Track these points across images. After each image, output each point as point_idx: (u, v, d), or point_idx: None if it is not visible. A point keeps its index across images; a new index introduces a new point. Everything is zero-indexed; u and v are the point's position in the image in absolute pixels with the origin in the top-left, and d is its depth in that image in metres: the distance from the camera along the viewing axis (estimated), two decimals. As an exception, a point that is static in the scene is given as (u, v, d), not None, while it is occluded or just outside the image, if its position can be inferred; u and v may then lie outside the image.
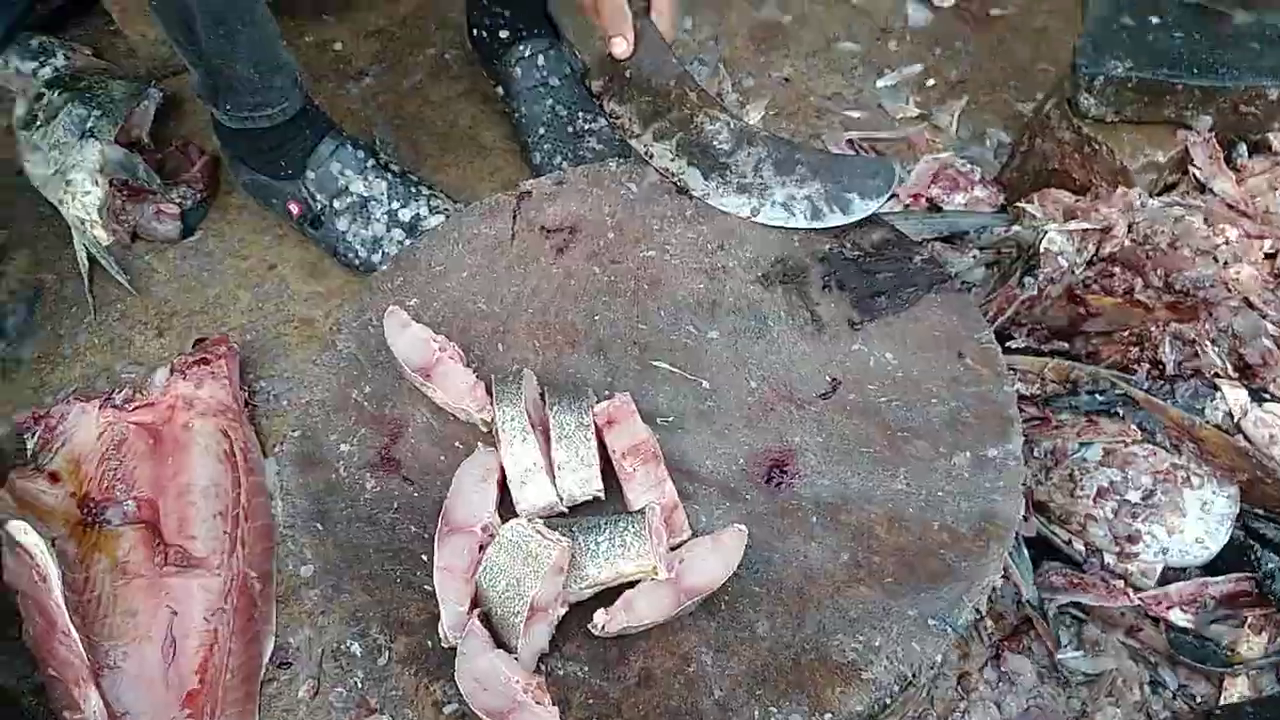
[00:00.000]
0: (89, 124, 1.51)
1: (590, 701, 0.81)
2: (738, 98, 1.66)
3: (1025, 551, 1.06)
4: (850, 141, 1.57)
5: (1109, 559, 1.04)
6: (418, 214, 1.41)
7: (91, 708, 1.01)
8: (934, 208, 1.42)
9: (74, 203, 1.48)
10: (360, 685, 0.83)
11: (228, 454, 1.21)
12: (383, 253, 1.40)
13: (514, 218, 1.14)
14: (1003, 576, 1.07)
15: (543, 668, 0.83)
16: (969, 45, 1.69)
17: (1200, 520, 1.01)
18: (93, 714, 1.01)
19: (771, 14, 1.78)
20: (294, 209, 1.42)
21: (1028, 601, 1.04)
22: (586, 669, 0.83)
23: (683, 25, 1.76)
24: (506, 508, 0.90)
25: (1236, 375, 1.08)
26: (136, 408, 1.24)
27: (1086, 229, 1.24)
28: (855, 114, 1.62)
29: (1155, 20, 1.26)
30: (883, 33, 1.73)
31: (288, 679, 1.11)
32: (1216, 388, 1.06)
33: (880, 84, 1.66)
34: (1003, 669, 1.04)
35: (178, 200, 1.52)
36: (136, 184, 1.51)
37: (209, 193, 1.56)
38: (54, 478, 1.19)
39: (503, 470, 0.90)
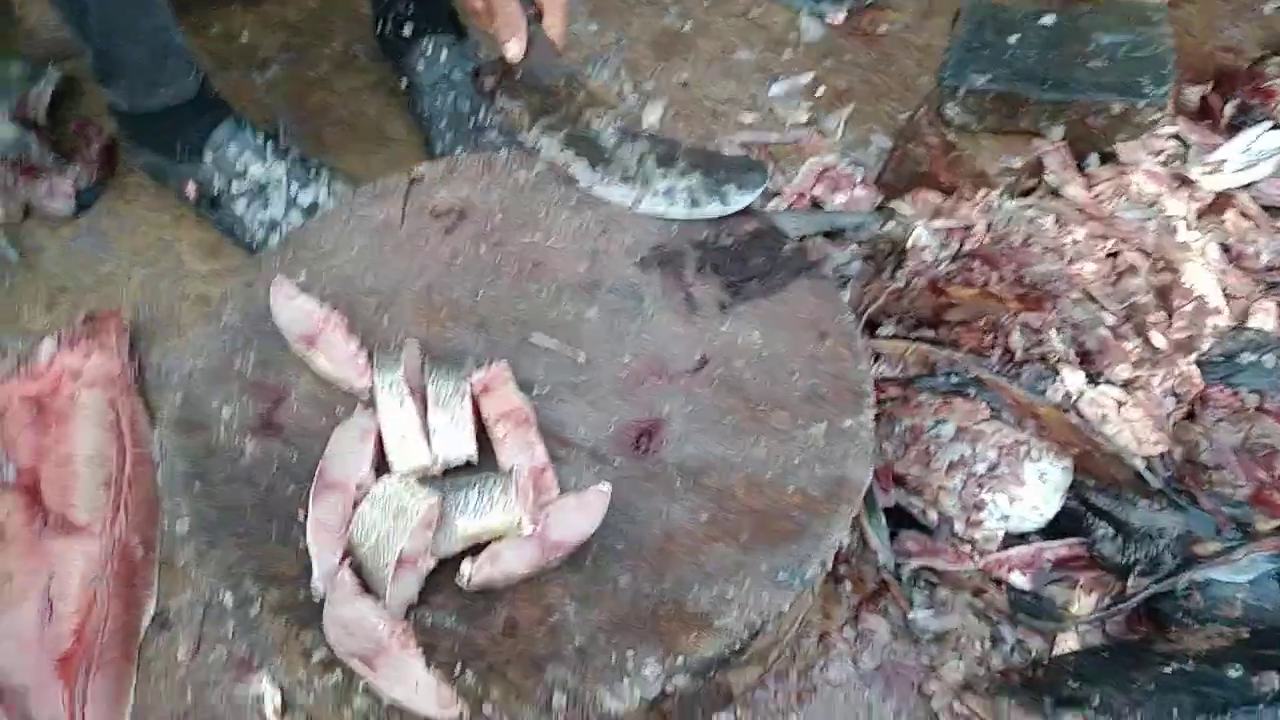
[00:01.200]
0: (-18, 101, 1.50)
1: (455, 648, 0.84)
2: (637, 99, 1.73)
3: (884, 520, 1.13)
4: (743, 144, 1.65)
5: (958, 526, 1.11)
6: (316, 198, 1.43)
7: (-38, 670, 1.01)
8: (816, 206, 1.50)
9: (-37, 178, 1.47)
10: (231, 635, 0.85)
11: (114, 424, 1.21)
12: (280, 235, 1.42)
13: (405, 200, 1.18)
14: (863, 544, 1.14)
15: (411, 616, 0.86)
16: (857, 57, 1.78)
17: (1038, 489, 1.09)
18: (-37, 677, 1.01)
19: (673, 22, 1.85)
20: (191, 191, 1.43)
21: (884, 566, 1.11)
22: (454, 618, 0.86)
23: (587, 28, 1.82)
24: (385, 470, 0.93)
25: (1076, 361, 1.18)
26: (21, 379, 1.24)
27: (951, 227, 1.32)
28: (748, 118, 1.70)
29: (1012, 39, 1.37)
30: (777, 44, 1.82)
31: (167, 640, 1.12)
32: (1058, 372, 1.15)
33: (773, 91, 1.74)
34: (860, 628, 1.11)
35: (73, 179, 1.51)
36: (30, 162, 1.50)
37: (106, 171, 1.56)
38: (-68, 447, 1.19)
39: (380, 434, 0.94)
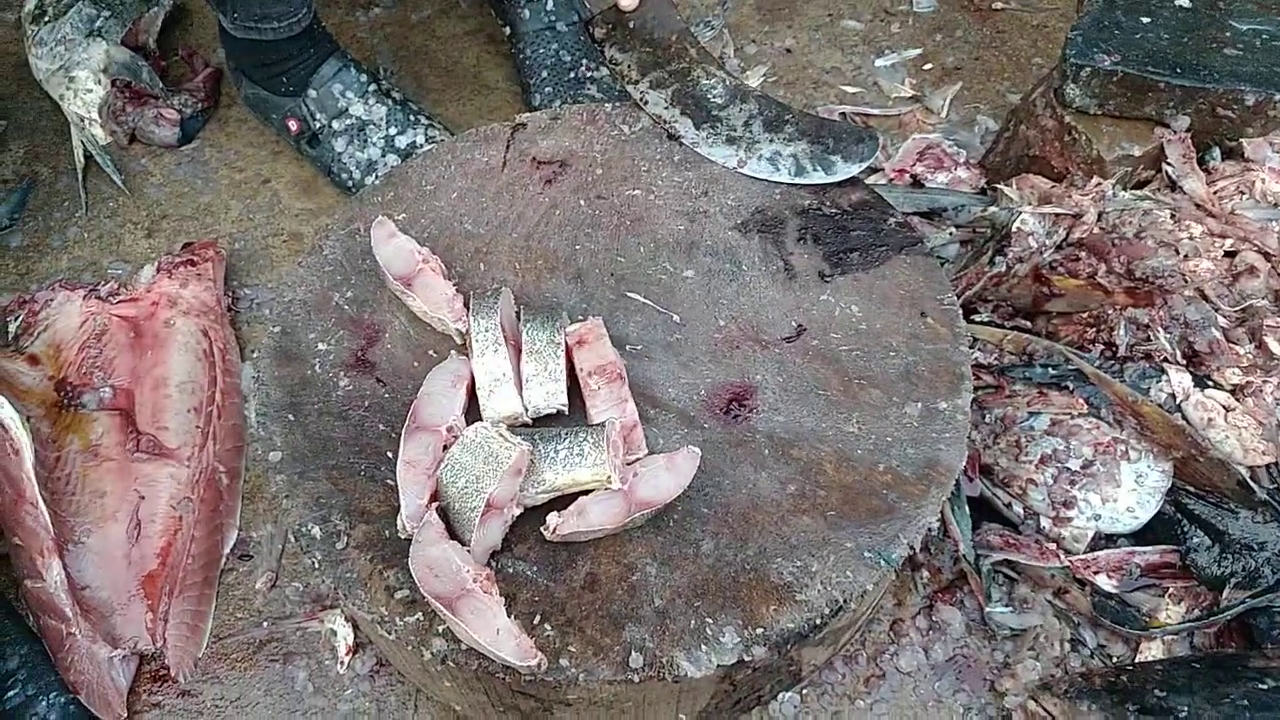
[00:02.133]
0: (97, 23, 1.53)
1: (536, 599, 0.85)
2: (739, 63, 1.70)
3: (967, 510, 1.10)
4: (843, 114, 1.61)
5: (1044, 522, 1.08)
6: (414, 141, 1.44)
7: (53, 577, 1.04)
8: (916, 184, 1.46)
9: (75, 100, 1.50)
10: (317, 566, 0.86)
11: (206, 353, 1.23)
12: (376, 176, 1.42)
13: (507, 147, 1.17)
14: (943, 533, 1.12)
15: (493, 564, 0.86)
16: (969, 34, 1.72)
17: (1133, 492, 1.06)
18: (54, 583, 1.04)
19: (780, -14, 1.81)
20: (292, 125, 1.44)
21: (964, 557, 1.09)
22: (535, 569, 0.86)
23: (692, -13, 1.79)
24: (474, 416, 0.93)
25: (1184, 361, 1.13)
26: (120, 301, 1.26)
27: (1059, 214, 1.28)
28: (851, 89, 1.66)
29: (1146, 19, 1.30)
30: (886, 14, 1.76)
31: (247, 570, 1.15)
32: (1163, 371, 1.11)
33: (879, 63, 1.69)
34: (934, 618, 1.09)
35: (178, 107, 1.54)
36: (139, 87, 1.53)
37: (210, 103, 1.58)
38: (33, 360, 1.22)
39: (473, 379, 0.94)
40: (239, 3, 1.32)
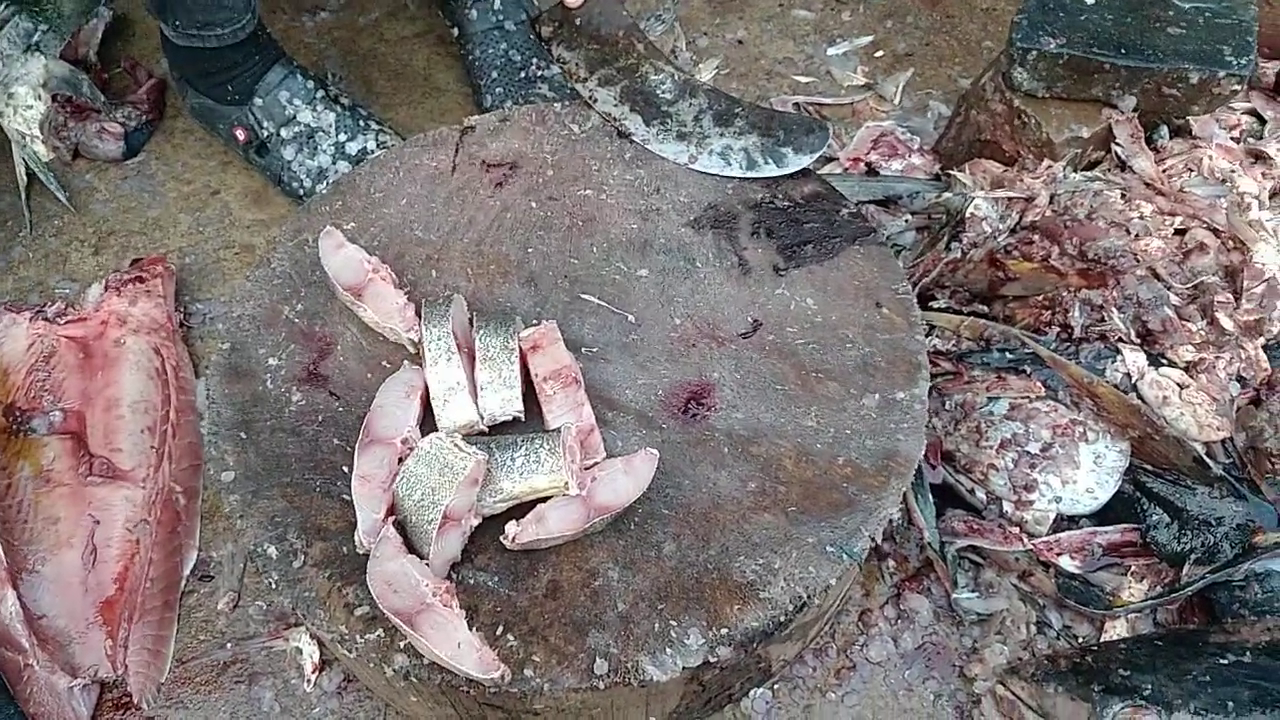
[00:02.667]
0: (35, 38, 1.50)
1: (498, 609, 0.84)
2: (691, 56, 1.69)
3: (930, 497, 1.11)
4: (796, 104, 1.60)
5: (1007, 507, 1.09)
6: (365, 147, 1.42)
7: (8, 608, 1.02)
8: (871, 172, 1.46)
9: (15, 116, 1.47)
10: (275, 586, 0.85)
11: (159, 371, 1.21)
12: (327, 184, 1.40)
13: (456, 151, 1.16)
14: (907, 521, 1.12)
15: (453, 576, 0.85)
16: (919, 19, 1.72)
17: (1092, 472, 1.06)
18: (8, 614, 1.02)
19: (730, -23, 1.80)
20: (240, 135, 1.42)
21: (929, 544, 1.09)
22: (496, 579, 0.86)
23: (642, -19, 1.78)
24: (429, 426, 0.92)
25: (1138, 341, 1.14)
26: (69, 321, 1.24)
27: (1011, 198, 1.28)
28: (804, 79, 1.65)
29: (1090, 1, 1.31)
30: (837, 2, 1.76)
31: (208, 591, 1.13)
32: (1118, 351, 1.12)
33: (830, 52, 1.69)
34: (902, 607, 1.09)
35: (122, 120, 1.51)
36: (80, 101, 1.50)
37: (155, 115, 1.55)
38: (-19, 386, 1.19)
39: (427, 389, 0.93)
40: (181, 10, 1.30)
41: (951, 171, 1.38)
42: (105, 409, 1.18)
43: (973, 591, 1.09)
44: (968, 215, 1.27)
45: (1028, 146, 1.33)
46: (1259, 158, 1.29)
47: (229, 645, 1.09)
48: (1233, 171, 1.27)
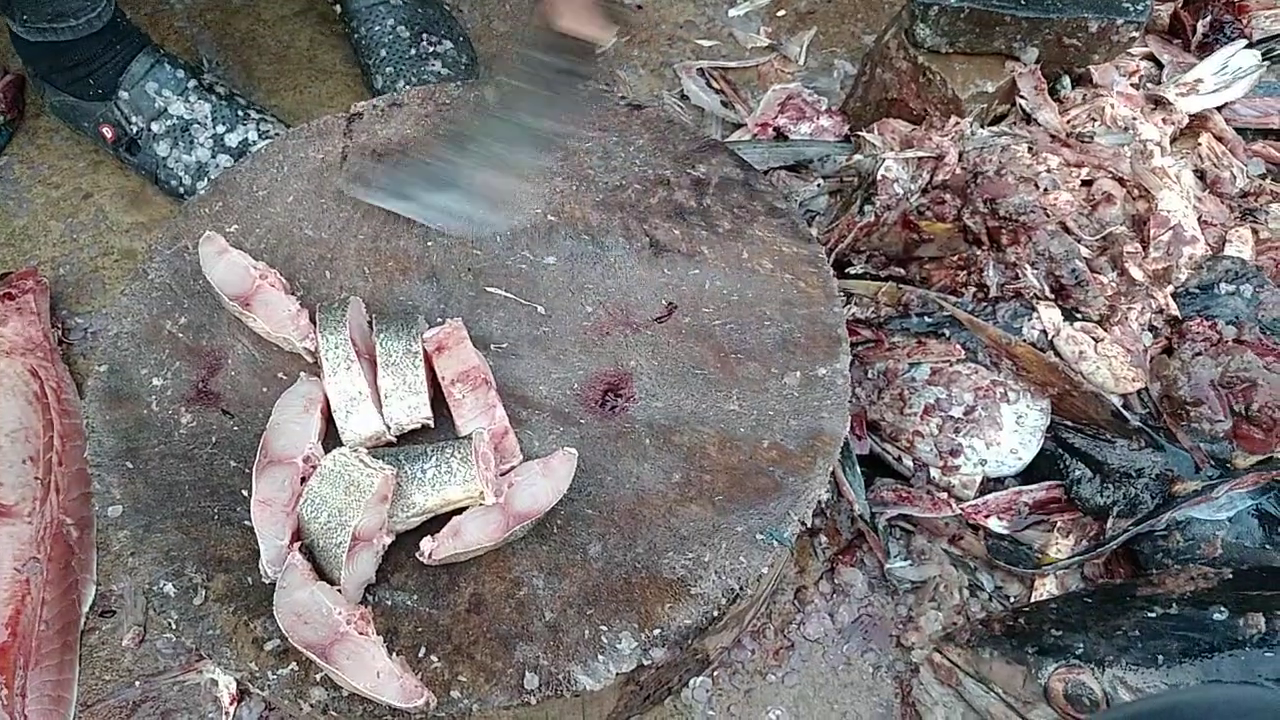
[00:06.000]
0: None
1: (419, 630, 0.80)
2: (588, 24, 1.63)
3: (858, 469, 1.09)
4: (701, 70, 1.56)
5: (934, 473, 1.08)
6: (246, 139, 1.33)
7: (-115, 667, 0.94)
8: (780, 137, 1.43)
9: None
10: (175, 626, 0.79)
11: (38, 395, 1.13)
12: (209, 180, 1.32)
13: (344, 140, 1.09)
14: (837, 494, 1.11)
15: (370, 598, 0.81)
16: (819, -24, 1.69)
17: (1015, 433, 1.06)
18: (-113, 674, 0.94)
19: (625, -61, 1.74)
20: (107, 133, 1.32)
21: (860, 516, 1.08)
22: (415, 598, 0.81)
23: (532, -53, 1.70)
24: (332, 441, 0.87)
25: (1052, 296, 1.14)
26: (-69, 348, 1.14)
27: (921, 157, 1.27)
28: (707, 43, 1.61)
29: (988, -47, 1.29)
30: (735, -38, 1.72)
31: (111, 627, 1.06)
32: (1034, 309, 1.12)
33: (732, 13, 1.65)
34: (837, 581, 1.08)
35: (-24, 123, 1.39)
36: (-74, 105, 1.37)
37: (14, 115, 1.43)
38: None
39: (327, 401, 0.87)
40: (28, 4, 1.19)
41: (861, 133, 1.36)
42: (-20, 441, 1.09)
43: (905, 560, 1.08)
44: (879, 177, 1.25)
45: (934, 104, 1.32)
46: (1159, 103, 1.30)
47: (138, 683, 1.02)
48: (1134, 119, 1.28)
